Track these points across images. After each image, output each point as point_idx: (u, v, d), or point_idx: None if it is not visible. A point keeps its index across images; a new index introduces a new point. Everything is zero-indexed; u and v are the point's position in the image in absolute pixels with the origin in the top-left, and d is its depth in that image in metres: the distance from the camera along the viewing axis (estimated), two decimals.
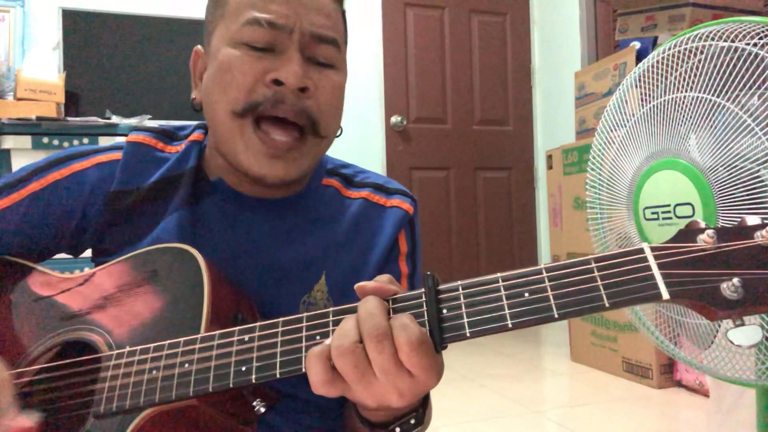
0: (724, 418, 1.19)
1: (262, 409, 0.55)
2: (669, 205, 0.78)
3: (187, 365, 0.51)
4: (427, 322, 0.46)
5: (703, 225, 0.44)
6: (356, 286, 0.48)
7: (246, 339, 0.50)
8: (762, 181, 0.68)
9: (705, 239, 0.42)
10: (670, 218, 0.79)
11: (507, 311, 0.44)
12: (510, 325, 0.44)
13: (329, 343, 0.45)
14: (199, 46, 0.72)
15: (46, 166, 0.70)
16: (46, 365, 0.59)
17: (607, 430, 1.78)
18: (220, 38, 0.65)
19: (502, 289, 0.45)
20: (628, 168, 0.86)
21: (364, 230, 0.75)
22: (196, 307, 0.56)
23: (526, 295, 0.44)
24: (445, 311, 0.46)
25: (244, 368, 0.49)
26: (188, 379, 0.51)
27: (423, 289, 0.47)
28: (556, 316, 0.43)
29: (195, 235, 0.68)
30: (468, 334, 0.45)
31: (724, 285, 0.40)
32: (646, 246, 0.44)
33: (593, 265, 0.44)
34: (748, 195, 0.69)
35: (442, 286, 0.47)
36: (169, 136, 0.75)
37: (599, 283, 0.43)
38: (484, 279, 0.46)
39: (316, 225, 0.73)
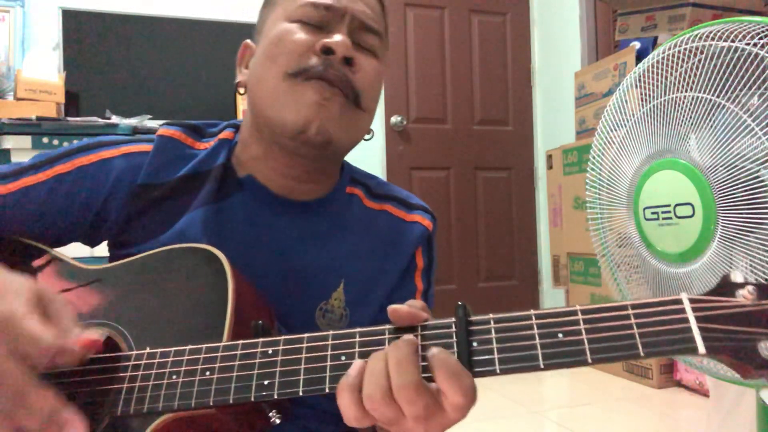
0: (724, 418, 1.19)
1: (278, 421, 0.54)
2: (669, 205, 0.78)
3: (208, 373, 0.50)
4: (456, 354, 0.45)
5: (741, 279, 0.43)
6: (389, 308, 0.48)
7: (270, 352, 0.50)
8: (762, 181, 0.68)
9: (745, 295, 0.42)
10: (670, 218, 0.79)
11: (539, 350, 0.43)
12: (542, 366, 0.43)
13: (356, 374, 0.44)
14: (248, 41, 0.75)
15: (75, 150, 0.70)
16: None
17: (607, 430, 1.78)
18: (274, 20, 0.70)
19: (535, 327, 0.44)
20: (628, 168, 0.86)
21: (384, 242, 0.75)
22: (219, 313, 0.55)
23: (560, 336, 0.44)
24: (475, 344, 0.45)
25: (266, 382, 0.48)
26: (209, 388, 0.50)
27: (453, 319, 0.46)
28: (590, 360, 0.43)
29: (219, 231, 0.68)
30: (498, 371, 0.44)
31: (761, 344, 0.40)
32: (684, 296, 0.43)
33: (630, 311, 0.43)
34: (748, 195, 0.69)
35: (473, 318, 0.46)
36: (199, 132, 0.75)
37: (635, 330, 0.42)
38: (516, 315, 0.45)
39: (339, 231, 0.73)
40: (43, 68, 2.46)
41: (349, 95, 0.67)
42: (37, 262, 0.66)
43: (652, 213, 0.82)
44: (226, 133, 0.75)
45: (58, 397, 0.47)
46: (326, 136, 0.66)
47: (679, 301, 0.43)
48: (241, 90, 0.74)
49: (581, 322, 0.44)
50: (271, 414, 0.54)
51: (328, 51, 0.65)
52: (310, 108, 0.65)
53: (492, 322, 0.45)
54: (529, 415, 1.92)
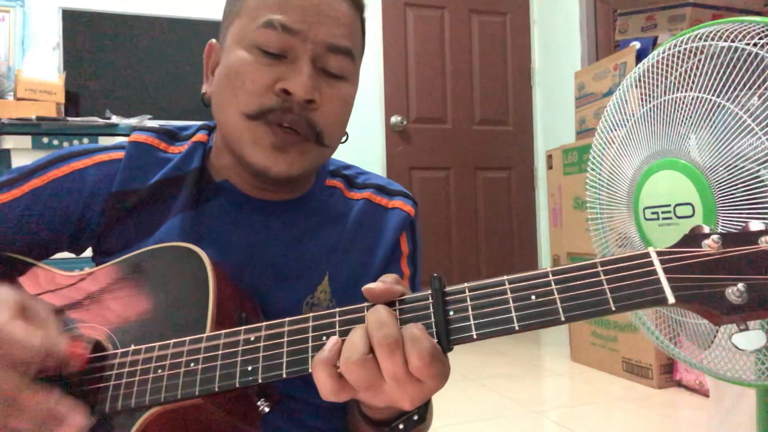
0: (724, 418, 1.19)
1: (267, 409, 0.55)
2: (669, 205, 0.78)
3: (192, 365, 0.51)
4: (433, 324, 0.46)
5: (707, 230, 0.44)
6: (364, 288, 0.48)
7: (252, 339, 0.51)
8: (762, 181, 0.68)
9: (710, 244, 0.42)
10: (670, 218, 0.79)
11: (514, 313, 0.45)
12: (517, 327, 0.44)
13: (330, 348, 0.45)
14: (214, 40, 0.72)
15: (47, 163, 0.70)
16: None
17: (607, 430, 1.78)
18: (235, 37, 0.66)
19: (508, 291, 0.46)
20: (628, 168, 0.86)
21: (366, 231, 0.75)
22: (201, 306, 0.56)
23: (533, 297, 0.45)
24: (451, 313, 0.46)
25: (250, 368, 0.49)
26: (194, 378, 0.51)
27: (430, 291, 0.47)
28: (563, 319, 0.44)
29: (199, 237, 0.68)
30: (475, 336, 0.45)
31: (728, 290, 0.41)
32: (651, 250, 0.44)
33: (600, 268, 0.44)
34: (748, 195, 0.69)
35: (448, 288, 0.47)
36: (171, 136, 0.75)
37: (606, 286, 0.43)
38: (490, 281, 0.47)
39: (320, 226, 0.73)
40: (43, 68, 2.46)
41: (310, 136, 0.65)
42: (19, 274, 0.67)
43: (652, 213, 0.82)
44: (199, 136, 0.74)
45: (52, 395, 0.48)
46: (288, 176, 0.65)
47: (647, 255, 0.43)
48: (207, 102, 0.70)
49: (553, 283, 0.45)
50: (259, 403, 0.55)
51: (288, 92, 0.62)
52: (270, 152, 0.64)
53: (467, 291, 0.47)
54: (529, 415, 1.92)
